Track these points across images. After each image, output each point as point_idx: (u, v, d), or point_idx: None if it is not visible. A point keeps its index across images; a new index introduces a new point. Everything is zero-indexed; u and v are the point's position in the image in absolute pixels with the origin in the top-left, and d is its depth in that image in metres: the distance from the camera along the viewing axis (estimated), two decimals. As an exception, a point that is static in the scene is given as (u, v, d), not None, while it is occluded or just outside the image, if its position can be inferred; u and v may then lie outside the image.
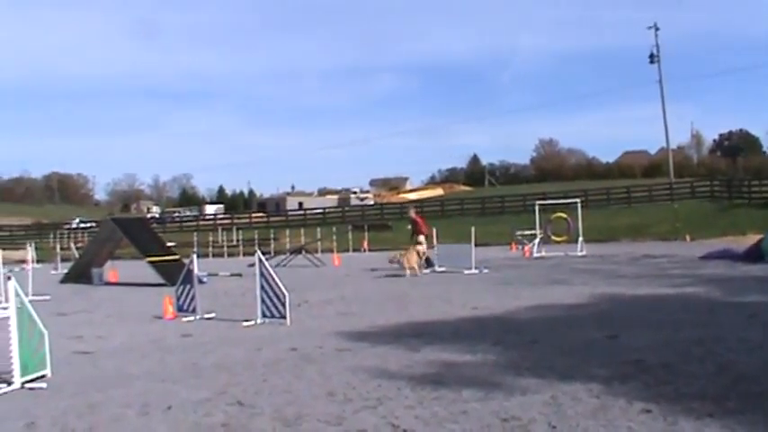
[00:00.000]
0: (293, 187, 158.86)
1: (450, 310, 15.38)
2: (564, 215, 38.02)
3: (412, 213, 30.14)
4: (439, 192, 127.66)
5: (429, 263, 27.66)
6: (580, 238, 34.56)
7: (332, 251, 42.30)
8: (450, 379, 8.64)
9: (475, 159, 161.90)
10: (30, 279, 22.05)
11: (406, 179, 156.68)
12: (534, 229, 37.32)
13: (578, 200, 38.00)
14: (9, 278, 9.59)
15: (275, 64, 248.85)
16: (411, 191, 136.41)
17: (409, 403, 7.63)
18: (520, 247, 39.84)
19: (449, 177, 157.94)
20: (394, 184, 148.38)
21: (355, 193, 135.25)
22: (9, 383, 9.33)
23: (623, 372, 8.62)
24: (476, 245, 26.96)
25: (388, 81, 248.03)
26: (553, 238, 37.88)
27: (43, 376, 9.83)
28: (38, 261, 35.65)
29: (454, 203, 75.96)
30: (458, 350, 10.53)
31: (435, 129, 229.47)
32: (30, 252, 27.82)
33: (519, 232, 41.51)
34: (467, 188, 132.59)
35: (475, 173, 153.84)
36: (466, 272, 25.30)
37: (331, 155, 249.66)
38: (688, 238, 43.41)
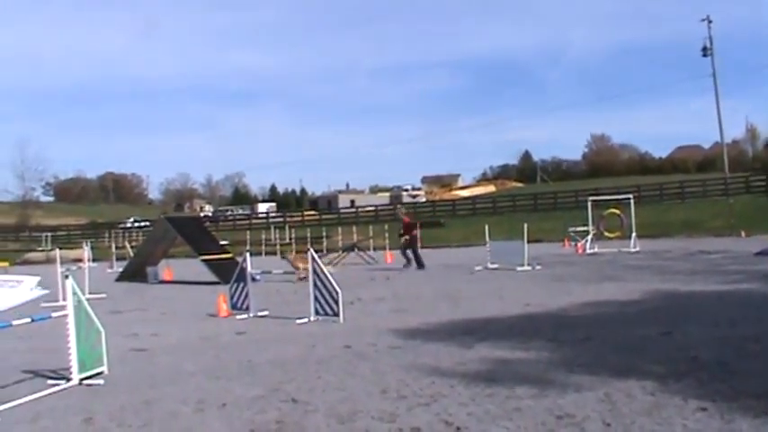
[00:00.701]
0: (348, 185, 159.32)
1: (502, 307, 15.29)
2: (617, 211, 37.64)
3: (401, 214, 33.05)
4: (491, 188, 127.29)
5: (420, 263, 28.74)
6: (633, 234, 34.19)
7: (384, 248, 42.26)
8: (503, 376, 8.58)
9: (527, 155, 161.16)
10: (86, 278, 22.25)
11: (457, 176, 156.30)
12: (587, 225, 36.97)
13: (631, 195, 37.54)
14: (67, 277, 9.72)
15: (326, 62, 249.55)
16: (463, 188, 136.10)
17: (462, 400, 7.60)
18: (572, 243, 39.46)
19: (501, 174, 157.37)
20: (446, 182, 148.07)
21: (407, 190, 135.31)
22: (67, 380, 9.46)
23: (678, 369, 8.50)
24: (528, 241, 26.80)
25: (440, 78, 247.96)
26: (606, 234, 37.52)
27: (100, 373, 9.94)
28: (94, 260, 36.11)
29: (506, 200, 75.66)
30: (511, 347, 10.47)
31: (487, 125, 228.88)
32: (86, 251, 28.19)
33: (571, 228, 41.09)
34: (519, 184, 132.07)
35: (527, 169, 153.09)
36: (518, 269, 25.15)
37: (383, 153, 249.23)
38: (743, 233, 42.68)
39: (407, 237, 29.41)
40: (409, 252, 29.22)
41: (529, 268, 25.16)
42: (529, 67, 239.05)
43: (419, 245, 30.18)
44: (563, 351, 10.02)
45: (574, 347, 10.26)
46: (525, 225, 27.26)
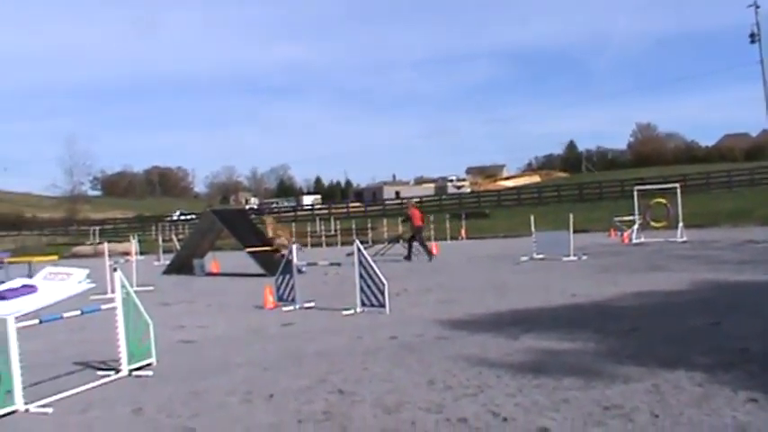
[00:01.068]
0: (394, 177, 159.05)
1: (549, 298, 15.21)
2: (663, 200, 37.24)
3: (410, 206, 33.58)
4: (536, 179, 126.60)
5: (409, 256, 29.93)
6: (680, 224, 33.80)
7: (430, 239, 42.22)
8: (550, 367, 8.54)
9: (572, 145, 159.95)
10: (134, 270, 22.55)
11: (502, 166, 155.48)
12: (633, 214, 36.64)
13: (677, 185, 37.09)
14: (115, 270, 9.84)
15: (370, 54, 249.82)
16: (507, 178, 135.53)
17: (509, 391, 7.58)
18: (618, 233, 39.16)
19: (545, 164, 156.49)
20: (490, 172, 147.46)
21: (452, 181, 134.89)
22: (117, 371, 9.59)
23: (727, 360, 8.40)
24: (574, 232, 26.62)
25: (484, 68, 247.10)
26: (652, 223, 37.13)
27: (149, 364, 10.07)
28: (141, 253, 36.41)
29: (551, 190, 75.25)
30: (557, 338, 10.42)
31: (532, 115, 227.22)
32: (133, 244, 28.45)
33: (617, 218, 40.76)
34: (564, 174, 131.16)
35: (572, 159, 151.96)
36: (564, 259, 24.99)
37: (427, 144, 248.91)
38: (793, 222, 42.06)
39: (416, 227, 30.49)
40: (415, 243, 30.44)
41: (575, 258, 25.00)
42: (573, 56, 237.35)
43: (420, 237, 31.10)
44: (610, 342, 9.95)
45: (621, 338, 10.18)
46: (571, 215, 27.07)
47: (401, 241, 36.37)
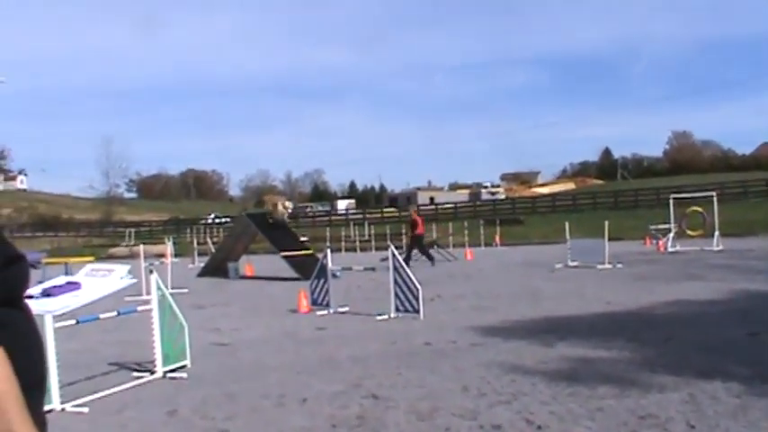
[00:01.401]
0: (430, 182, 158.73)
1: (584, 306, 15.14)
2: (699, 209, 36.89)
3: (413, 213, 34.37)
4: (571, 185, 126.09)
5: (408, 261, 29.48)
6: (716, 233, 33.45)
7: (464, 246, 42.10)
8: (585, 375, 8.50)
9: (607, 152, 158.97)
10: (169, 273, 22.66)
11: (537, 173, 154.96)
12: (668, 223, 36.33)
13: (714, 193, 36.75)
14: (151, 272, 9.91)
15: (407, 59, 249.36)
16: (542, 185, 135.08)
17: (544, 399, 7.55)
18: (654, 241, 38.83)
19: (580, 171, 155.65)
20: (525, 178, 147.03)
21: (486, 187, 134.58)
22: (152, 372, 9.66)
23: (765, 371, 8.30)
24: (609, 239, 26.44)
25: (521, 74, 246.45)
26: (688, 232, 36.81)
27: (183, 366, 10.14)
28: (176, 255, 36.59)
29: (586, 197, 74.79)
30: (593, 346, 10.37)
31: (567, 122, 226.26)
32: (168, 246, 28.58)
33: (653, 226, 40.41)
34: (599, 182, 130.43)
35: (607, 166, 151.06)
36: (599, 267, 24.83)
37: (462, 149, 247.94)
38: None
39: (413, 235, 31.24)
40: (415, 250, 31.19)
41: (610, 266, 24.82)
42: (609, 62, 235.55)
43: (421, 243, 31.89)
44: (645, 351, 9.88)
45: (656, 347, 10.11)
46: (606, 223, 26.89)
47: (435, 247, 36.36)
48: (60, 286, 8.58)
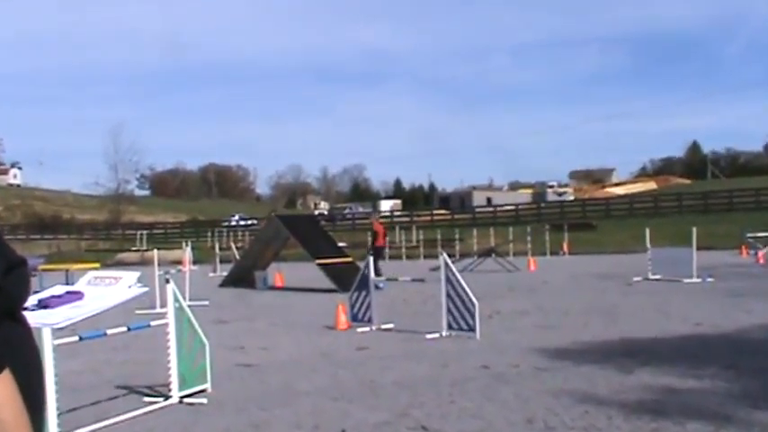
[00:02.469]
0: (492, 181, 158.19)
1: (668, 326, 14.99)
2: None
3: (374, 222, 35.54)
4: (651, 185, 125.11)
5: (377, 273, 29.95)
6: (827, 242, 33.07)
7: (526, 254, 42.00)
8: (671, 408, 8.39)
9: (695, 147, 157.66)
10: (187, 282, 22.72)
11: (611, 171, 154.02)
12: (770, 230, 35.94)
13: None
14: (167, 281, 9.92)
15: (462, 39, 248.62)
16: (618, 184, 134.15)
17: (622, 435, 7.46)
18: (751, 251, 38.43)
19: (663, 168, 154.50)
20: (597, 177, 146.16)
21: (552, 186, 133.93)
22: (166, 397, 9.67)
23: None
24: (697, 248, 26.19)
25: (593, 55, 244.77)
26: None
27: (203, 390, 10.14)
28: (194, 262, 36.82)
29: (670, 199, 74.20)
30: (679, 374, 10.24)
31: (648, 111, 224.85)
32: (186, 252, 28.74)
33: (750, 234, 40.02)
34: (685, 181, 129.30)
35: (695, 163, 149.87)
36: (686, 281, 24.60)
37: (524, 143, 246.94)
38: None
39: (375, 245, 31.99)
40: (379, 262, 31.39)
41: (698, 280, 24.59)
42: (698, 43, 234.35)
43: (381, 256, 33.02)
44: (744, 381, 9.73)
45: (757, 377, 9.96)
46: (694, 229, 26.63)
47: (493, 255, 36.28)
48: (59, 296, 8.55)
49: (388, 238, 33.67)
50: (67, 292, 8.62)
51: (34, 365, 1.73)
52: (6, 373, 1.53)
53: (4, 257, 1.64)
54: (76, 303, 8.39)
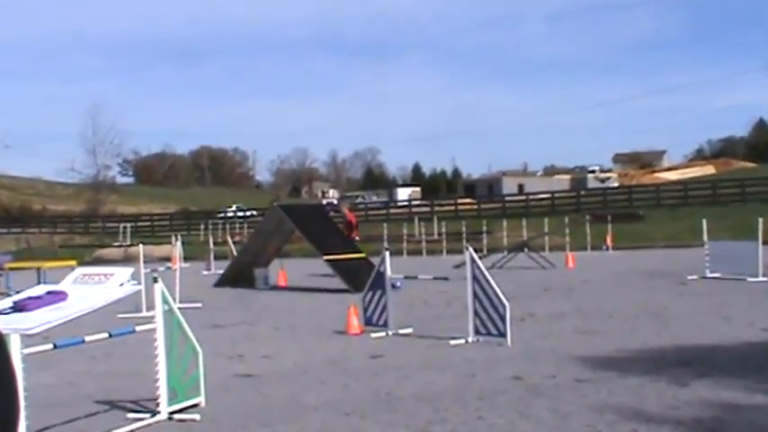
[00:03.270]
0: (526, 165, 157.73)
1: (729, 332, 14.96)
2: None
3: (345, 210, 37.21)
4: (709, 170, 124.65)
5: None
6: None
7: (564, 249, 41.93)
8: (733, 426, 8.40)
9: (761, 125, 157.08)
10: (177, 281, 22.75)
11: (662, 153, 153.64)
12: None
13: None
14: (155, 280, 9.90)
15: (490, 4, 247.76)
16: (669, 169, 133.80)
17: (677, 456, 7.45)
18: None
19: (724, 150, 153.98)
20: (646, 160, 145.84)
21: (593, 172, 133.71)
22: (154, 413, 9.69)
23: None
24: (763, 242, 26.09)
25: (641, 20, 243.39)
26: None
27: (196, 405, 10.17)
28: (185, 258, 36.85)
29: (731, 185, 73.92)
30: (744, 387, 10.21)
31: (705, 84, 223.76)
32: (176, 247, 28.77)
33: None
34: (750, 165, 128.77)
35: (760, 144, 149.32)
36: (750, 279, 24.51)
37: (561, 122, 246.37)
38: None
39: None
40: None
41: (764, 279, 24.51)
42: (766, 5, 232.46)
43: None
44: (819, 395, 9.71)
45: (834, 390, 9.93)
46: (760, 220, 26.53)
47: (526, 250, 36.24)
48: (38, 297, 8.45)
49: (359, 231, 33.67)
50: (49, 293, 8.53)
51: (6, 377, 1.71)
52: None
53: None
54: (58, 305, 8.30)
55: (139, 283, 9.39)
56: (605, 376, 11.22)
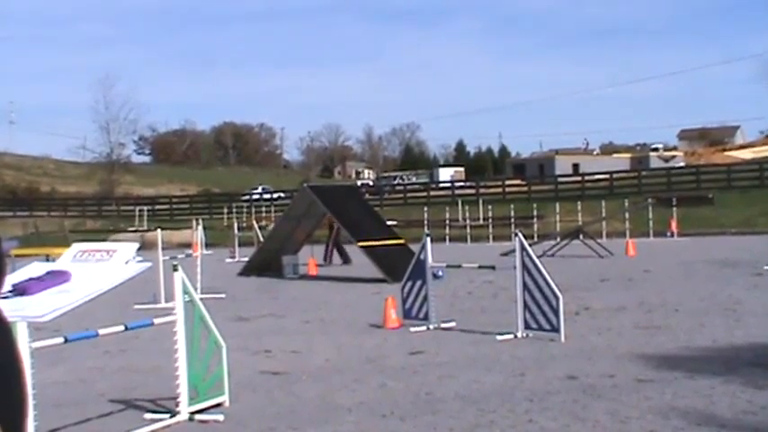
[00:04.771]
0: (587, 143, 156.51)
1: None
2: None
3: None
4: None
5: (328, 258, 33.08)
6: None
7: (623, 235, 41.82)
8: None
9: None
10: (198, 270, 22.81)
11: (735, 129, 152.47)
12: None
13: None
14: (175, 268, 9.90)
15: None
16: (743, 147, 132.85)
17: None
18: None
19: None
20: (716, 137, 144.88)
21: (656, 150, 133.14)
22: (173, 414, 9.71)
23: None
24: None
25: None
26: None
27: (219, 405, 10.20)
28: (207, 245, 36.98)
29: (812, 166, 73.41)
30: (828, 390, 10.14)
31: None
32: (197, 233, 28.86)
33: None
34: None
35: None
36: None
37: (622, 94, 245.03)
38: None
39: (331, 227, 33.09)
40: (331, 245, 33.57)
41: None
42: None
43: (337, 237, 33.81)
44: None
45: None
46: None
47: (581, 236, 36.12)
48: (40, 279, 8.23)
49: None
50: (49, 273, 8.34)
51: (12, 369, 1.71)
52: None
53: None
54: (62, 287, 8.12)
55: (147, 262, 9.24)
56: (670, 377, 11.16)
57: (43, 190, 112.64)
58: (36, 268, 8.64)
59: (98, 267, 8.58)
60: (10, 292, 7.80)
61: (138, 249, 8.81)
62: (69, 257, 8.98)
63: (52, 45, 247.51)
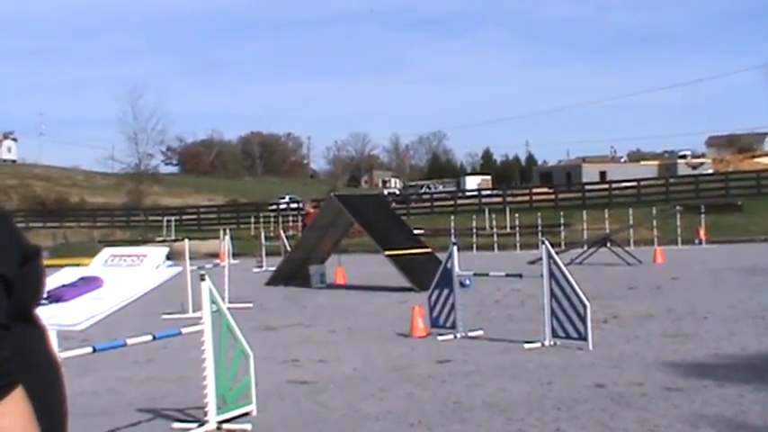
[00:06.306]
0: (614, 151, 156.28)
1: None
2: None
3: (308, 207, 39.21)
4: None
5: None
6: None
7: (651, 243, 41.71)
8: None
9: None
10: (226, 279, 22.86)
11: (764, 135, 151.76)
12: None
13: None
14: (202, 278, 9.92)
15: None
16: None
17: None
18: None
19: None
20: (744, 144, 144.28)
21: (684, 157, 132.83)
22: (201, 423, 9.73)
23: None
24: None
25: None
26: None
27: (247, 414, 10.21)
28: (235, 255, 37.03)
29: None
30: None
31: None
32: (224, 242, 28.88)
33: None
34: None
35: None
36: None
37: (649, 102, 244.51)
38: None
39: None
40: None
41: None
42: None
43: None
44: None
45: None
46: None
47: (608, 244, 36.05)
48: (74, 285, 8.19)
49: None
50: (82, 278, 8.33)
51: (52, 378, 1.71)
52: (18, 392, 1.52)
53: (20, 247, 1.62)
54: (95, 294, 8.06)
55: (177, 266, 9.23)
56: (699, 385, 11.12)
57: (72, 201, 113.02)
58: (68, 274, 8.61)
59: (129, 272, 8.57)
60: (45, 299, 7.74)
61: (167, 259, 8.82)
62: (100, 262, 8.97)
63: (80, 57, 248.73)
